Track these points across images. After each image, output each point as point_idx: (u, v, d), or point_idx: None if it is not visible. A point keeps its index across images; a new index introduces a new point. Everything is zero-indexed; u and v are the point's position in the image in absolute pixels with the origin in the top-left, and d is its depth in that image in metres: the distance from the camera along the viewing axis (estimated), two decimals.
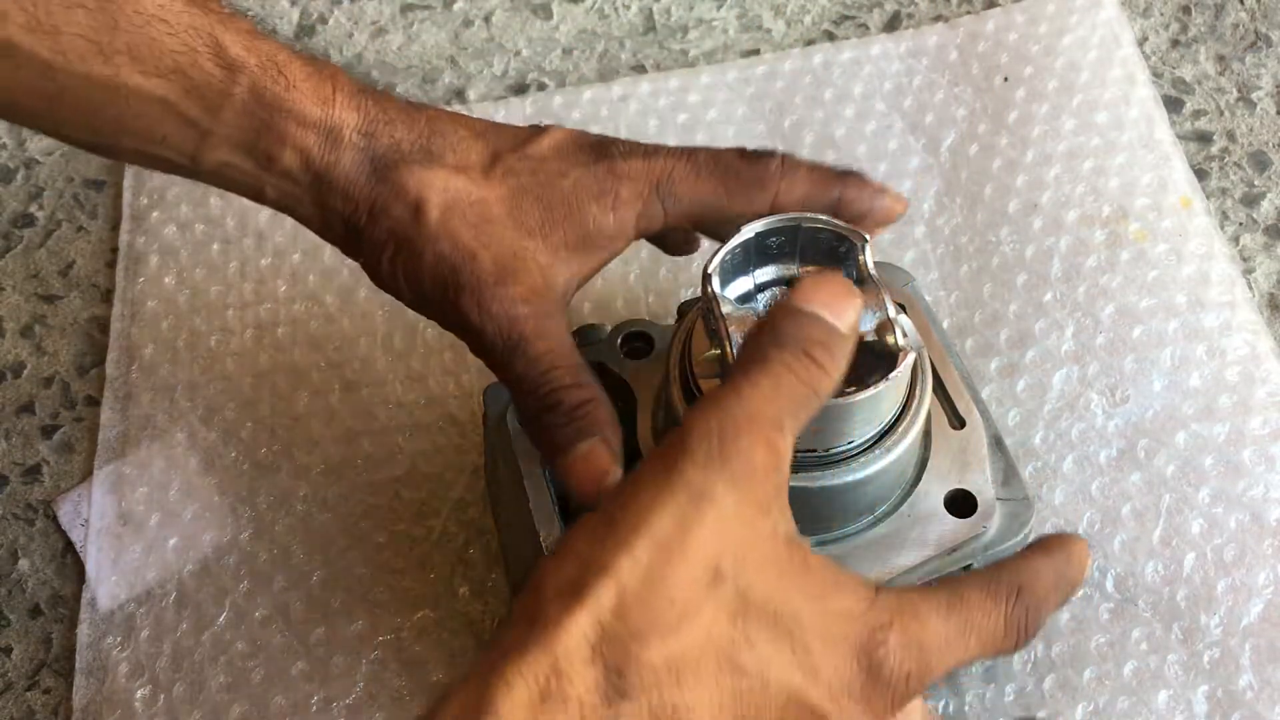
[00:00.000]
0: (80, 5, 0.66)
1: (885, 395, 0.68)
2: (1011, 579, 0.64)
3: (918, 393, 0.72)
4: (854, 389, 0.67)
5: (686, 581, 0.54)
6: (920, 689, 0.60)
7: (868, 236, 0.70)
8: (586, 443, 0.68)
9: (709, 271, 0.69)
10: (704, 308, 0.70)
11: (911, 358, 0.68)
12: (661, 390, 0.76)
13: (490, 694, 0.51)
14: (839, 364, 0.60)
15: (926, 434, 0.76)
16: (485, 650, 0.54)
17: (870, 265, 0.70)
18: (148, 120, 0.69)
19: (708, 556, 0.55)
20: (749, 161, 0.75)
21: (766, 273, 0.73)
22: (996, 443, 0.77)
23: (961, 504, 0.74)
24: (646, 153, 0.74)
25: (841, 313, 0.61)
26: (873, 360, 0.68)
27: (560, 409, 0.69)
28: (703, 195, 0.74)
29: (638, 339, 0.81)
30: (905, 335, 0.68)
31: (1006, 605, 0.63)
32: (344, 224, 0.73)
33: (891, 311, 0.68)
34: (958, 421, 0.77)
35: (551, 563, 0.55)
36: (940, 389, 0.78)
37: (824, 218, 0.71)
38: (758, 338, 0.60)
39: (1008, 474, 0.76)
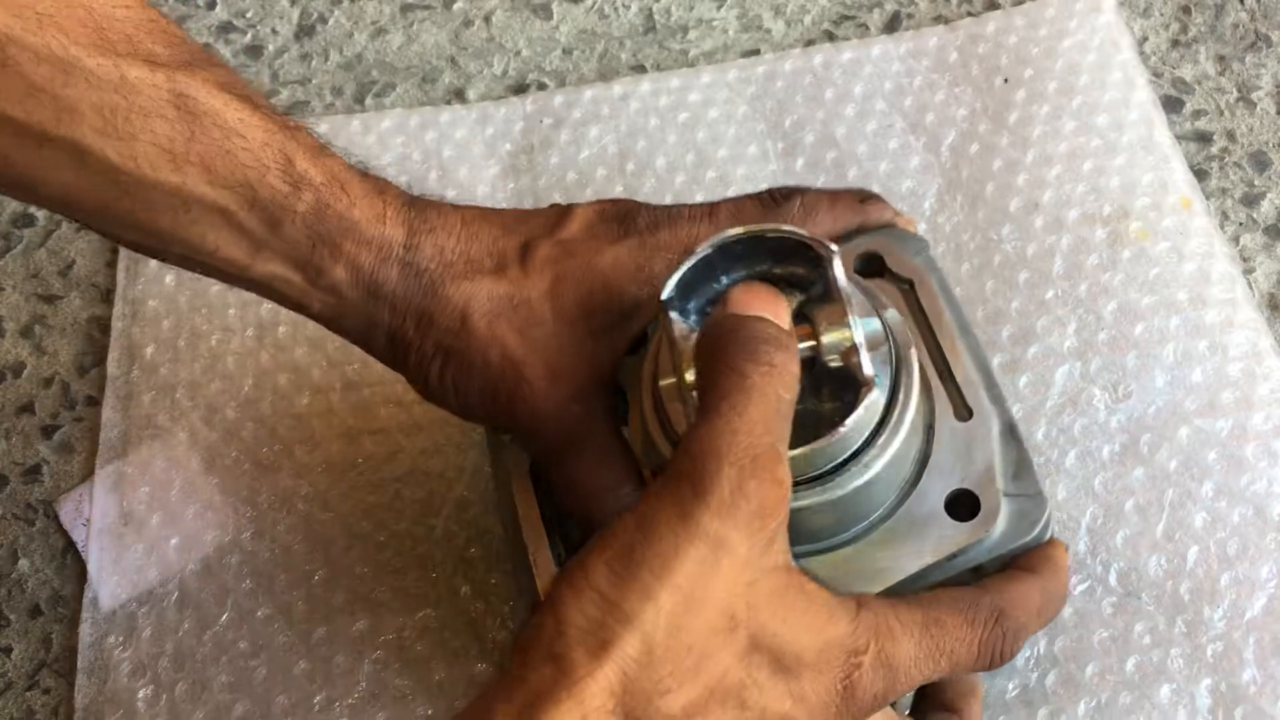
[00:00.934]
0: (161, 115, 0.65)
1: (850, 432, 0.65)
2: (993, 603, 0.67)
3: (900, 400, 0.68)
4: (829, 415, 0.65)
5: (705, 630, 0.55)
6: (885, 704, 0.62)
7: (834, 248, 0.65)
8: None
9: (663, 298, 0.66)
10: (662, 334, 0.68)
11: (874, 396, 0.65)
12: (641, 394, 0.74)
13: None
14: (795, 363, 0.60)
15: (929, 428, 0.71)
16: (506, 681, 0.55)
17: (840, 280, 0.65)
18: (203, 228, 0.68)
19: (724, 603, 0.56)
20: (769, 211, 0.75)
21: (738, 276, 0.69)
22: (1009, 431, 0.72)
23: (962, 506, 0.70)
24: (670, 220, 0.74)
25: (780, 315, 0.62)
26: (839, 384, 0.66)
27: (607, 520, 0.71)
28: None
29: None
30: (881, 347, 0.66)
31: (983, 631, 0.66)
32: (389, 337, 0.73)
33: (858, 335, 0.64)
34: (965, 411, 0.72)
35: (570, 596, 0.55)
36: (948, 376, 0.73)
37: (787, 228, 0.67)
38: (723, 352, 0.60)
39: (1020, 466, 0.71)
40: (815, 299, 0.66)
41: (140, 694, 0.85)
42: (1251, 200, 0.99)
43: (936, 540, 0.69)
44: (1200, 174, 1.00)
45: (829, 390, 0.66)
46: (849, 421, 0.64)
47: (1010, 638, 0.66)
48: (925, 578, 0.69)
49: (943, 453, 0.71)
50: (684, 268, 0.66)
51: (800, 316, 0.65)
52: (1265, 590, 0.82)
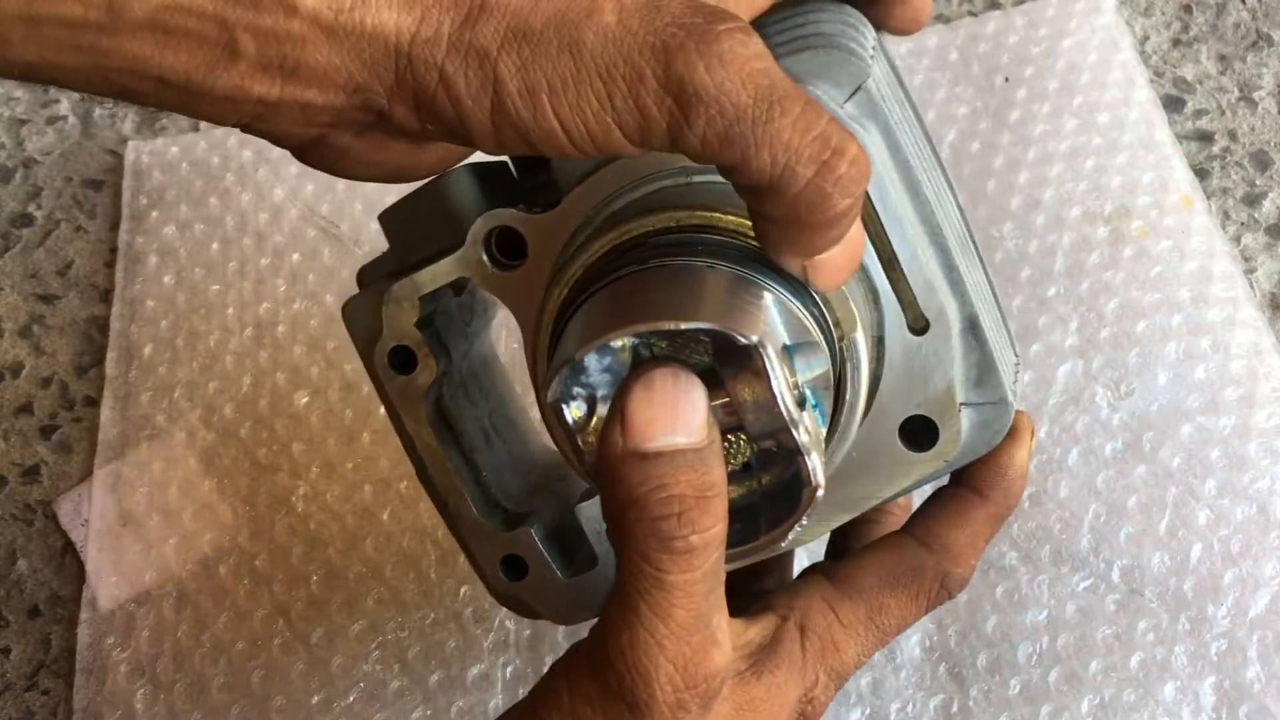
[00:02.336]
0: None
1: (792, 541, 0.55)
2: (938, 567, 0.62)
3: (843, 414, 0.57)
4: (751, 541, 0.55)
5: None
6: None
7: (756, 341, 0.50)
8: None
9: (549, 402, 0.53)
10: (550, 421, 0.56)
11: (819, 495, 0.52)
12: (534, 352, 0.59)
13: None
14: (721, 498, 0.52)
15: (879, 341, 0.59)
16: None
17: (778, 386, 0.51)
18: None
19: None
20: None
21: (629, 339, 0.54)
22: (970, 329, 0.59)
23: (919, 433, 0.59)
24: None
25: (691, 424, 0.52)
26: (768, 455, 0.55)
27: None
28: None
29: (507, 240, 0.60)
30: (824, 373, 0.53)
31: (928, 601, 0.62)
32: (401, 46, 0.51)
33: (801, 435, 0.51)
34: (921, 320, 0.58)
35: None
36: (898, 269, 0.58)
37: (688, 325, 0.51)
38: (629, 536, 0.52)
39: (982, 369, 0.59)
40: (732, 357, 0.52)
41: (138, 694, 0.85)
42: (1253, 200, 0.99)
43: (890, 473, 0.60)
44: (1201, 173, 1.00)
45: (757, 457, 0.56)
46: (789, 537, 0.54)
47: (955, 592, 0.62)
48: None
49: (895, 374, 0.59)
50: (561, 375, 0.52)
51: (713, 373, 0.53)
52: (1269, 588, 0.82)
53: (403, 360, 0.62)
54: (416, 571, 0.88)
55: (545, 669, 0.82)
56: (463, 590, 0.87)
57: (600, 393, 0.54)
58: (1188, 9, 1.09)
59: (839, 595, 0.61)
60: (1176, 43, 1.07)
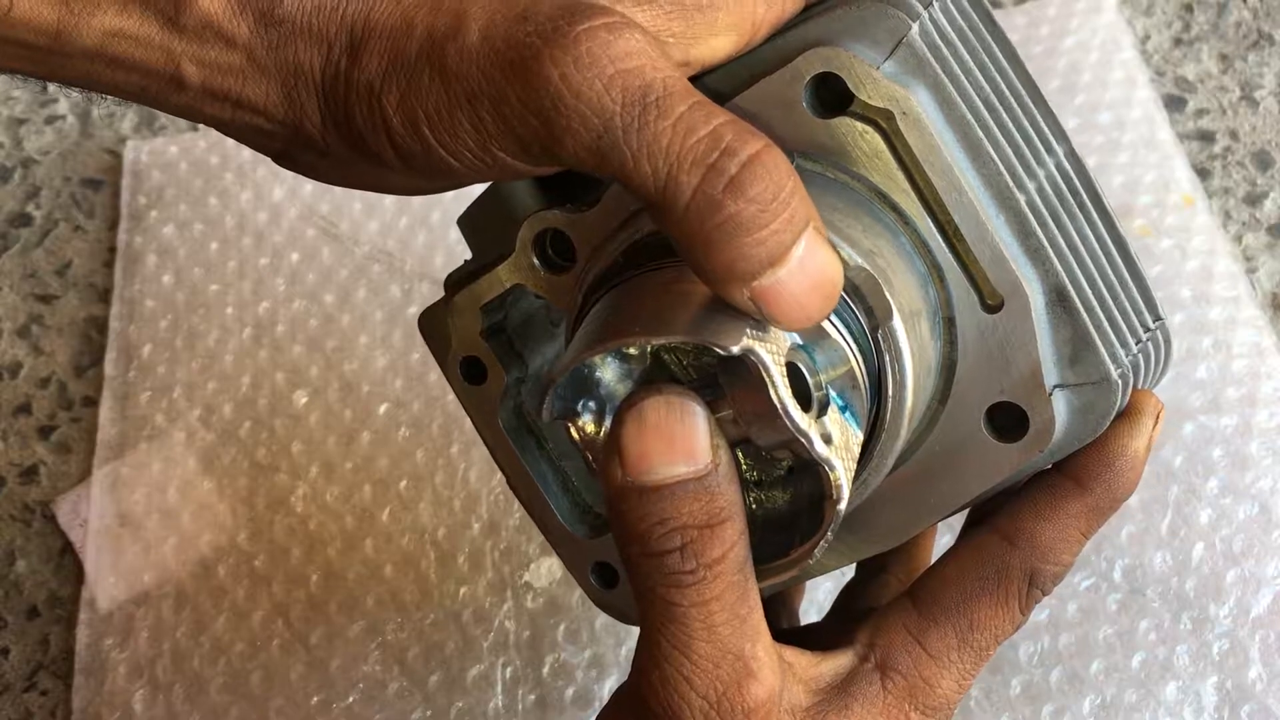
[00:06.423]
0: None
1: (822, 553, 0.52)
2: (1024, 565, 0.56)
3: (889, 414, 0.52)
4: (787, 555, 0.52)
5: None
6: None
7: (738, 351, 0.47)
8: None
9: (545, 422, 0.53)
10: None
11: (840, 509, 0.49)
12: None
13: None
14: (733, 521, 0.50)
15: (949, 321, 0.53)
16: None
17: (785, 406, 0.47)
18: None
19: None
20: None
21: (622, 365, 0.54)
22: (1058, 300, 0.53)
23: (1008, 422, 0.53)
24: None
25: (692, 450, 0.49)
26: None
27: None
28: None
29: (559, 242, 0.57)
30: (845, 369, 0.50)
31: (1018, 605, 0.57)
32: (319, 83, 0.52)
33: (819, 449, 0.48)
34: (994, 294, 0.52)
35: None
36: (963, 247, 0.52)
37: (678, 338, 0.49)
38: (637, 571, 0.50)
39: (1077, 345, 0.53)
40: (728, 367, 0.50)
41: (137, 695, 0.85)
42: (1254, 199, 0.99)
43: (981, 467, 0.54)
44: (1203, 173, 1.00)
45: (775, 466, 0.54)
46: (816, 552, 0.51)
47: (1049, 589, 0.57)
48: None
49: (972, 358, 0.53)
50: (551, 398, 0.51)
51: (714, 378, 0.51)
52: (1271, 587, 0.81)
53: (472, 371, 0.60)
54: (416, 572, 0.87)
55: (545, 669, 0.82)
56: (462, 591, 0.86)
57: (610, 404, 0.52)
58: (1189, 8, 1.09)
59: (924, 623, 0.57)
60: (1178, 42, 1.07)
